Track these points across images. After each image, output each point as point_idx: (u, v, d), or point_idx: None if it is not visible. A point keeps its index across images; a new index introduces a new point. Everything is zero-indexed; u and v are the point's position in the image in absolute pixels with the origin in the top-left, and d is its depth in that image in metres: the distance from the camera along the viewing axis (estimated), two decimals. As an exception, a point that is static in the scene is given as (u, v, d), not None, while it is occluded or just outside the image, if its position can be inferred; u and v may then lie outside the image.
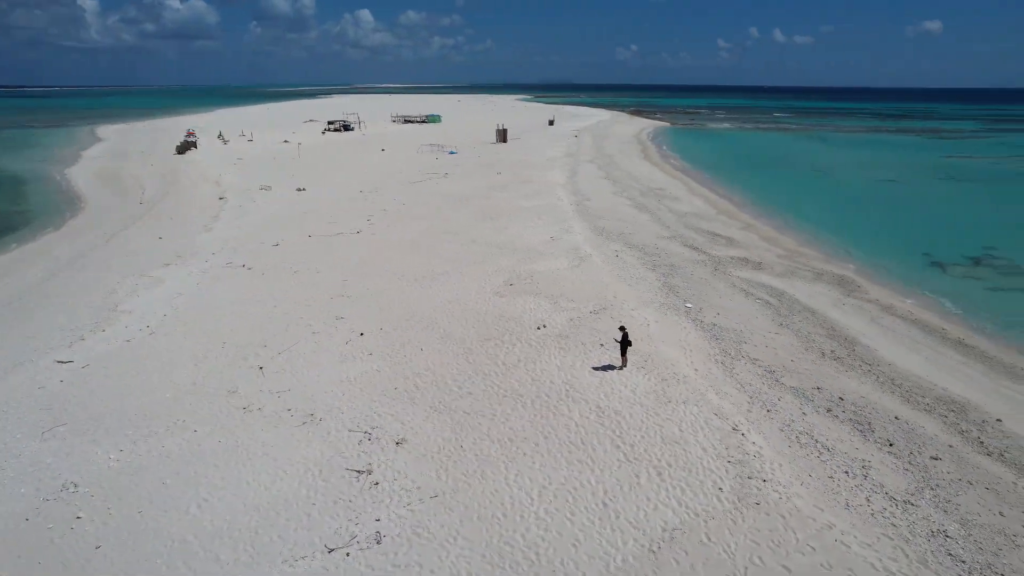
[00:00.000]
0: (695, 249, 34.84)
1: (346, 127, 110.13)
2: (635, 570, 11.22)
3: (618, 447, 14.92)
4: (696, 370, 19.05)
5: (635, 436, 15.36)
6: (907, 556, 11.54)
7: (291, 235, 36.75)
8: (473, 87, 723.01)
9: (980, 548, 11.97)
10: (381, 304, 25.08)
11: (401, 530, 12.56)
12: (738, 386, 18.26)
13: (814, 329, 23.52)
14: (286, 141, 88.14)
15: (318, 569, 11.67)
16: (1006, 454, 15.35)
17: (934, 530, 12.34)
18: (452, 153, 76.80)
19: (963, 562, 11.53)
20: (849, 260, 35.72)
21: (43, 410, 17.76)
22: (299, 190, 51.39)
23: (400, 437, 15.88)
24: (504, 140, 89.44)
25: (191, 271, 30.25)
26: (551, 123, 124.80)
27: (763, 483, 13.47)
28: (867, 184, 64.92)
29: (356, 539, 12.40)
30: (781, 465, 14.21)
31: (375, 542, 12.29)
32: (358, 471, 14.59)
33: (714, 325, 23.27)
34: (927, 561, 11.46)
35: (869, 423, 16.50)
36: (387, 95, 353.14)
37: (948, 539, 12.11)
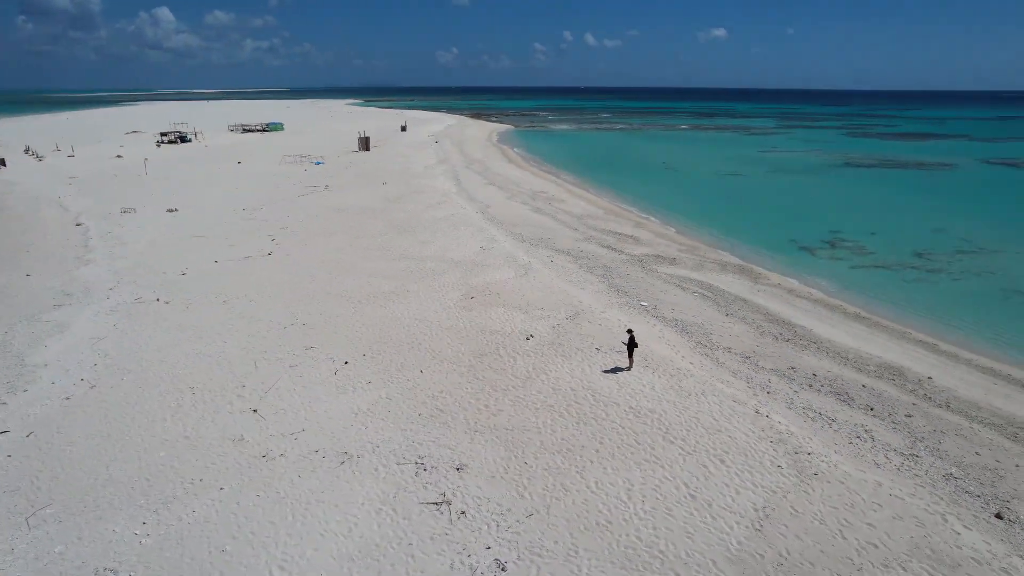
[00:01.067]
0: (612, 249, 37.19)
1: (182, 138, 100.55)
2: (753, 548, 12.42)
3: (671, 442, 16.09)
4: (691, 363, 20.83)
5: (680, 430, 16.64)
6: (942, 499, 13.99)
7: (193, 262, 33.43)
8: (293, 91, 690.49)
9: (981, 483, 14.81)
10: (345, 329, 24.01)
11: (519, 554, 12.62)
12: (731, 374, 20.31)
13: (754, 316, 26.55)
14: (119, 156, 78.56)
15: (460, 607, 11.43)
16: (951, 404, 18.86)
17: (945, 475, 15.03)
18: (319, 163, 73.60)
19: (978, 496, 14.23)
20: (735, 250, 40.20)
21: (6, 493, 14.98)
22: (171, 211, 46.49)
23: (458, 463, 15.69)
24: (367, 148, 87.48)
25: (97, 311, 26.55)
26: (403, 129, 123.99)
27: (808, 456, 15.41)
28: (715, 178, 72.77)
29: (479, 571, 12.26)
30: (810, 438, 16.28)
31: (500, 569, 12.24)
32: (435, 503, 14.26)
33: (676, 320, 25.38)
34: (957, 500, 13.99)
35: (847, 393, 19.31)
36: (202, 101, 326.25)
37: (957, 480, 14.83)
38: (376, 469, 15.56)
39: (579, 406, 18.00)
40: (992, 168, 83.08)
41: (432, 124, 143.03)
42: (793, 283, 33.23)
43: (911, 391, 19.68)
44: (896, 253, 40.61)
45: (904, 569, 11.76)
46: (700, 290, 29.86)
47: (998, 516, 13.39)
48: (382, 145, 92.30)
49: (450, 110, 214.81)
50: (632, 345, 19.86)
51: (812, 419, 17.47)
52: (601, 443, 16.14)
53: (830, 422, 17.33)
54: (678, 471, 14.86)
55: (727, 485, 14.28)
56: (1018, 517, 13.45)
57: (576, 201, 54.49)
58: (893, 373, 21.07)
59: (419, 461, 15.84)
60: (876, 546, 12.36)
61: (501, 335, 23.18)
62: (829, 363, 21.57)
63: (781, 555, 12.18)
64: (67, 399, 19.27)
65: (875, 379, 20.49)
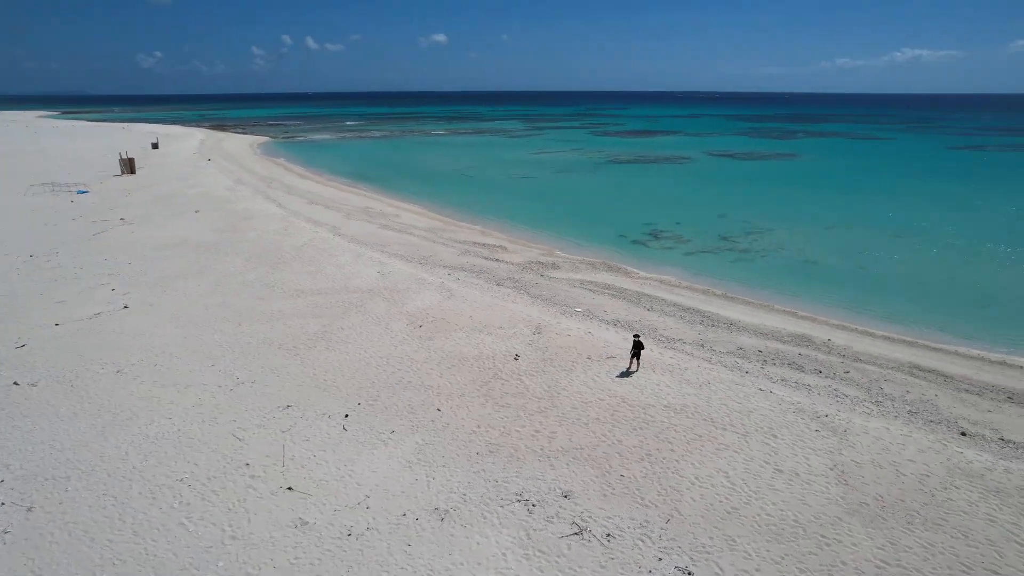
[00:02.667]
0: (496, 261, 38.43)
1: None
2: (856, 499, 15.04)
3: (724, 429, 18.21)
4: (672, 358, 23.24)
5: (722, 418, 18.84)
6: (927, 430, 18.27)
7: (23, 330, 26.55)
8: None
9: (931, 413, 19.57)
10: (307, 382, 21.73)
11: (691, 556, 13.54)
12: (708, 362, 23.20)
13: (668, 308, 30.10)
14: None
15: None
16: (860, 358, 24.10)
17: (909, 411, 19.51)
18: (83, 192, 61.73)
19: (940, 423, 18.82)
20: (587, 251, 44.12)
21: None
22: (-79, 267, 35.56)
23: (562, 491, 15.85)
24: (132, 171, 75.51)
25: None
26: (155, 146, 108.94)
27: (827, 418, 18.74)
28: (513, 181, 77.76)
29: (671, 581, 12.93)
30: (813, 404, 19.73)
31: (688, 574, 13.07)
32: (575, 533, 14.40)
33: (617, 320, 27.73)
34: (933, 429, 18.39)
35: (794, 362, 23.47)
36: None
37: (918, 414, 19.39)
38: (484, 516, 14.97)
39: (621, 414, 19.14)
40: (720, 159, 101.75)
41: (182, 139, 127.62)
42: (666, 276, 37.96)
43: (828, 352, 24.60)
44: (707, 239, 48.32)
45: (957, 488, 15.38)
46: (604, 291, 32.66)
47: (963, 434, 18.00)
48: (145, 167, 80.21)
49: (183, 123, 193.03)
50: (639, 348, 21.54)
51: (796, 388, 21.04)
52: (670, 442, 17.57)
53: (808, 388, 21.06)
54: (750, 452, 16.99)
55: (794, 455, 16.82)
56: (975, 432, 18.23)
57: (410, 215, 54.35)
58: (803, 340, 25.98)
59: (521, 498, 15.60)
60: (927, 476, 15.88)
61: (485, 359, 23.10)
62: (759, 340, 25.76)
63: (877, 499, 15.00)
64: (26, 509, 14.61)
65: (797, 346, 25.11)
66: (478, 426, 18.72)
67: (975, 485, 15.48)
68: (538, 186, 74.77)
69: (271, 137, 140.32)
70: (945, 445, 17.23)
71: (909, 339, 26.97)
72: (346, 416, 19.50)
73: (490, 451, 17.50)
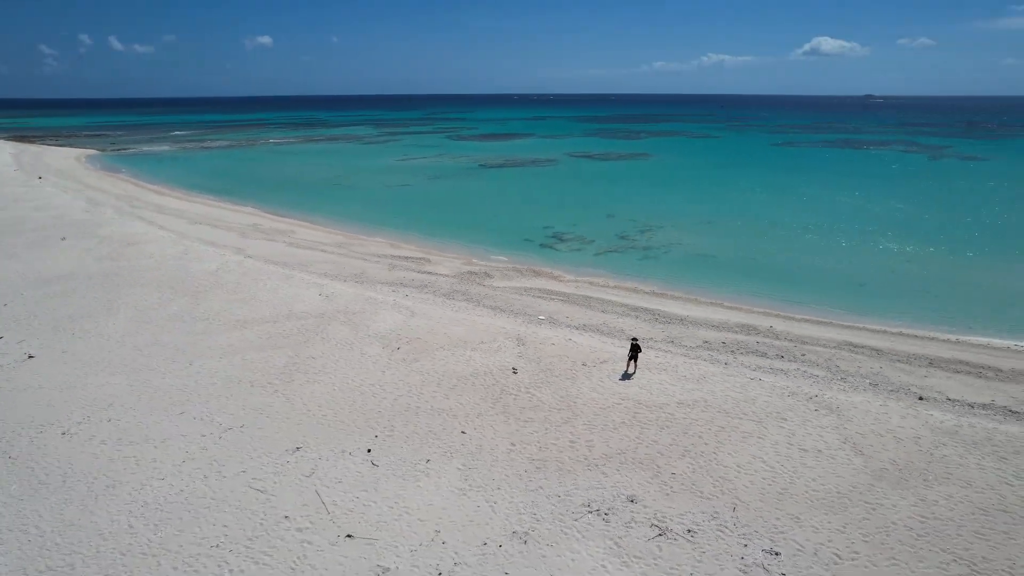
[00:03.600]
0: (426, 273, 37.90)
1: None
2: (876, 467, 17.17)
3: (740, 419, 19.76)
4: (658, 357, 24.65)
5: (733, 408, 20.41)
6: (895, 399, 21.19)
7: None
8: None
9: (885, 382, 22.67)
10: (305, 419, 20.33)
11: (771, 537, 14.77)
12: (687, 357, 24.89)
13: (617, 309, 31.68)
14: None
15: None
16: (806, 340, 27.17)
17: (871, 383, 22.45)
18: None
19: (898, 391, 21.92)
20: (501, 257, 45.03)
21: None
22: None
23: (625, 496, 16.44)
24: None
25: None
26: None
27: (817, 398, 21.01)
28: (394, 189, 77.07)
29: (759, 563, 14.03)
30: (800, 386, 21.99)
31: (775, 555, 14.25)
32: (660, 535, 15.07)
33: (583, 325, 28.73)
34: (899, 398, 21.36)
35: (756, 350, 25.92)
36: None
37: (878, 385, 22.39)
38: (564, 532, 15.16)
39: (643, 415, 20.08)
40: (582, 161, 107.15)
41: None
42: (593, 278, 39.73)
43: (777, 338, 27.45)
44: (607, 239, 51.08)
45: (945, 445, 18.11)
46: (550, 296, 33.61)
47: (920, 399, 21.15)
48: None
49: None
50: (637, 351, 22.61)
51: (775, 373, 23.30)
52: (700, 437, 18.80)
53: (783, 372, 23.43)
54: (772, 437, 18.69)
55: (808, 434, 18.77)
56: (928, 396, 21.47)
57: (305, 231, 51.93)
58: (751, 330, 28.72)
59: (591, 509, 15.96)
60: (919, 438, 18.51)
61: (483, 376, 22.98)
62: (716, 333, 28.06)
63: (893, 464, 17.26)
64: None
65: (749, 335, 27.72)
66: (512, 444, 18.68)
67: (956, 441, 18.34)
68: (419, 194, 74.43)
69: (98, 150, 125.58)
70: (916, 410, 20.14)
71: (827, 320, 30.80)
72: (369, 451, 18.50)
73: (536, 467, 17.57)
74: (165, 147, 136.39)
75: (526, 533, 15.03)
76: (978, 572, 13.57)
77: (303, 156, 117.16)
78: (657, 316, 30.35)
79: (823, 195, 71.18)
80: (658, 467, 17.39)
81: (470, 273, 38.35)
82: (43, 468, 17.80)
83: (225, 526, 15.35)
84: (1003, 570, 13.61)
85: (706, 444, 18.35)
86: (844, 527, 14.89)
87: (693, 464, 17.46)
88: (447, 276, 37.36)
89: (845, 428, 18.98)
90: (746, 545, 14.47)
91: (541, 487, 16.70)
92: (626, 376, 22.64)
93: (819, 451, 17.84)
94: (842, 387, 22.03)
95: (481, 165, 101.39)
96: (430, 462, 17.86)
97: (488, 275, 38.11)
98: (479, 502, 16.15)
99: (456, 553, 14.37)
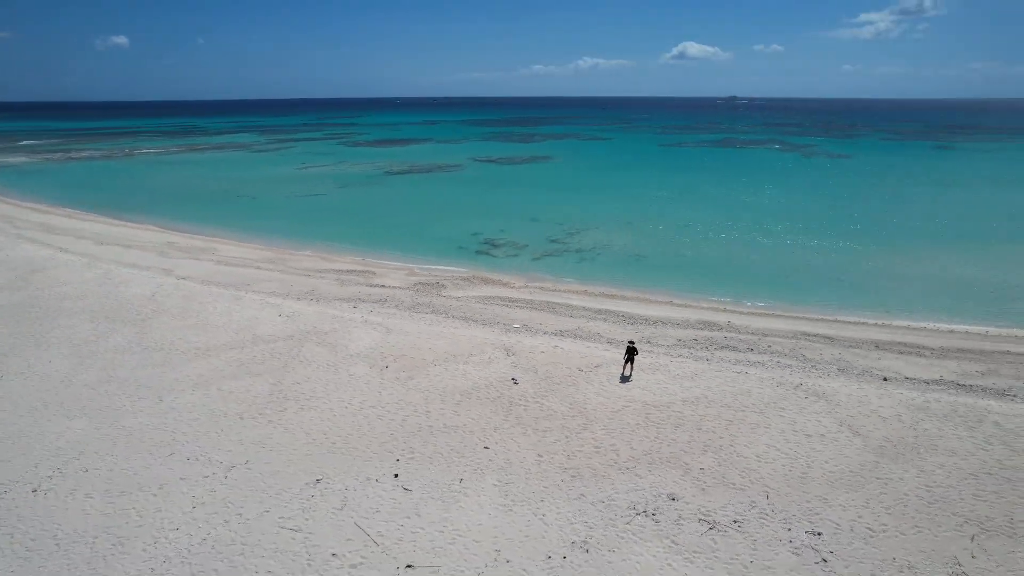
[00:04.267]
0: (378, 287, 37.00)
1: None
2: (876, 444, 18.90)
3: (743, 411, 20.98)
4: (645, 358, 25.59)
5: (734, 402, 21.62)
6: (863, 382, 23.36)
7: None
8: None
9: (850, 368, 24.95)
10: (314, 449, 19.38)
11: (809, 519, 15.93)
12: (669, 356, 26.06)
13: (583, 313, 32.52)
14: None
15: None
16: (767, 333, 29.23)
17: (839, 369, 24.60)
18: None
19: (863, 374, 24.19)
20: (437, 264, 44.91)
21: None
22: None
23: (667, 495, 17.09)
24: None
25: None
26: None
27: (802, 386, 22.72)
28: (304, 199, 74.63)
29: (804, 543, 15.15)
30: (782, 376, 23.68)
31: (817, 535, 15.44)
32: (709, 528, 15.84)
33: (560, 331, 29.26)
34: (868, 380, 23.58)
35: (728, 345, 27.56)
36: None
37: (846, 370, 24.57)
38: (621, 536, 15.57)
39: (654, 416, 20.85)
40: (488, 165, 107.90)
41: None
42: (543, 283, 40.43)
43: (739, 332, 29.34)
44: (539, 242, 52.12)
45: (923, 420, 20.24)
46: (511, 304, 33.90)
47: (885, 379, 23.49)
48: None
49: None
50: (633, 354, 23.39)
51: (755, 365, 24.92)
52: (714, 431, 19.83)
53: (761, 364, 25.13)
54: (778, 426, 20.06)
55: (807, 421, 20.32)
56: (890, 376, 23.86)
57: (227, 247, 49.18)
58: (713, 326, 30.49)
59: (638, 511, 16.46)
60: (900, 416, 20.56)
61: (485, 389, 22.90)
62: (683, 331, 29.54)
63: (888, 441, 19.08)
64: None
65: (714, 331, 29.44)
66: (539, 455, 18.81)
67: (929, 416, 20.56)
68: (333, 204, 72.46)
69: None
70: (887, 390, 22.35)
71: (773, 312, 33.29)
72: (396, 476, 17.96)
73: (571, 476, 17.83)
74: (21, 158, 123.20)
75: (584, 542, 15.25)
76: (986, 530, 15.38)
77: (191, 167, 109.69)
78: (623, 318, 31.43)
79: (723, 193, 76.36)
80: (686, 464, 18.16)
81: (421, 284, 37.83)
82: (25, 533, 15.81)
83: (270, 572, 14.38)
84: (1005, 525, 15.51)
85: (721, 438, 19.38)
86: (867, 503, 16.33)
87: (717, 458, 18.39)
88: (400, 288, 36.64)
89: (837, 412, 20.71)
90: (790, 529, 15.50)
91: (583, 495, 16.96)
92: (624, 379, 23.35)
93: (822, 435, 19.37)
94: (817, 374, 23.97)
95: (386, 172, 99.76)
96: (463, 481, 17.61)
97: (440, 285, 37.77)
98: (527, 516, 16.16)
99: (524, 570, 14.34)
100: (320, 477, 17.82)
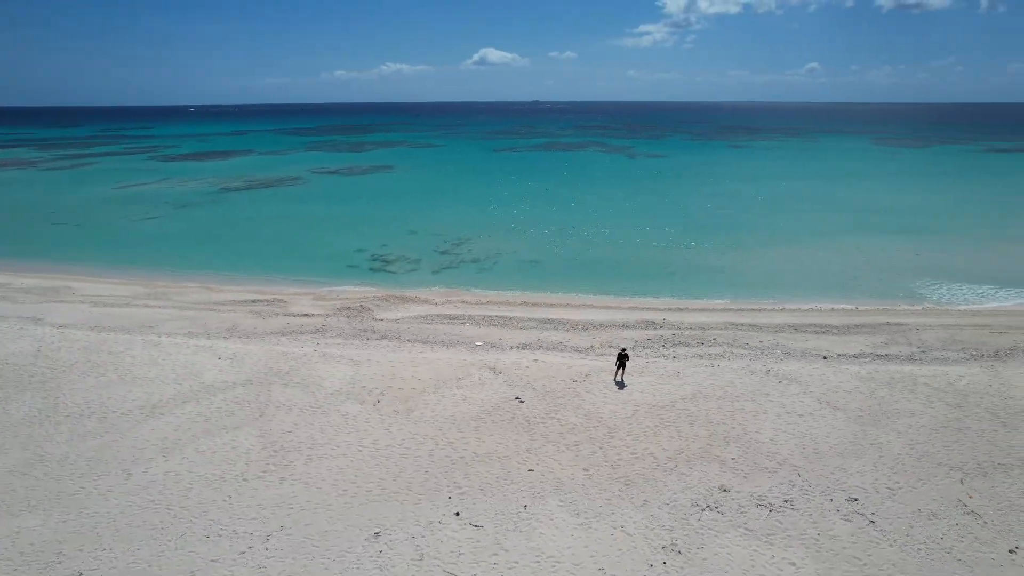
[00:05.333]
0: (305, 316, 34.74)
1: None
2: (855, 414, 21.97)
3: (737, 400, 23.03)
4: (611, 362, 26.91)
5: (725, 394, 23.62)
6: (822, 361, 26.77)
7: None
8: None
9: (796, 346, 28.44)
10: (351, 501, 18.05)
11: (845, 486, 18.24)
12: (646, 356, 27.69)
13: (532, 324, 33.29)
14: None
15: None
16: (702, 327, 32.15)
17: (801, 356, 27.93)
18: None
19: (819, 358, 27.73)
20: (338, 285, 43.18)
21: None
22: None
23: (718, 486, 18.47)
24: None
25: None
26: None
27: (772, 373, 25.50)
28: (144, 223, 66.95)
29: (846, 507, 17.41)
30: (750, 368, 26.31)
31: (854, 500, 17.76)
32: (770, 511, 17.51)
33: (524, 344, 29.72)
34: (833, 365, 27.06)
35: (680, 341, 29.85)
36: None
37: (805, 352, 27.96)
38: (700, 533, 16.62)
39: (665, 416, 22.18)
40: (331, 177, 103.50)
41: None
42: (463, 297, 40.47)
43: (680, 328, 31.95)
44: (430, 255, 51.92)
45: (877, 389, 23.81)
46: (456, 321, 33.71)
47: (824, 358, 27.15)
48: None
49: None
50: (624, 360, 24.55)
51: (720, 358, 27.34)
52: (724, 423, 21.62)
53: (723, 356, 27.67)
54: (772, 411, 22.39)
55: (793, 403, 22.88)
56: (828, 355, 27.59)
57: (87, 285, 43.02)
58: (652, 324, 32.86)
59: (701, 507, 17.64)
60: (858, 387, 23.96)
61: (495, 412, 22.71)
62: (630, 332, 31.44)
63: (861, 411, 22.20)
64: None
65: (658, 329, 31.76)
66: (584, 469, 19.25)
67: (878, 385, 24.25)
68: (180, 226, 65.83)
69: None
70: (834, 368, 25.90)
71: (694, 307, 36.62)
72: (458, 514, 17.37)
73: (625, 484, 18.54)
74: None
75: (673, 544, 16.05)
76: (966, 473, 18.74)
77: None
78: (570, 325, 32.66)
79: (578, 195, 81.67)
80: (718, 457, 19.70)
81: (344, 309, 36.08)
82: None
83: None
84: (976, 465, 19.00)
85: (733, 428, 21.25)
86: (875, 467, 19.03)
87: (740, 447, 20.17)
88: (327, 315, 34.62)
89: (811, 391, 23.64)
90: (831, 499, 17.61)
91: (647, 500, 17.73)
92: (620, 385, 24.45)
93: (811, 414, 22.04)
94: (771, 360, 27.02)
95: (223, 188, 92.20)
96: (528, 507, 17.52)
97: (365, 308, 36.32)
98: (608, 530, 16.57)
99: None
100: (377, 530, 16.65)
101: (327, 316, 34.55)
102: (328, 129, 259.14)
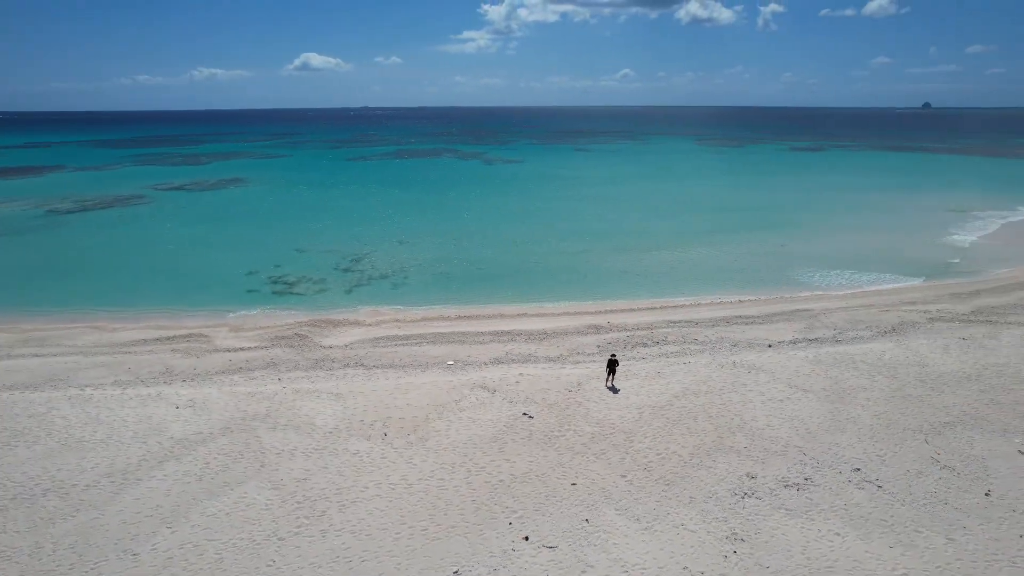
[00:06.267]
0: (240, 351, 32.00)
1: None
2: (822, 394, 24.90)
3: (723, 393, 25.05)
4: (602, 368, 28.02)
5: (709, 388, 25.53)
6: (767, 349, 29.76)
7: None
8: None
9: (738, 337, 31.35)
10: (410, 543, 17.30)
11: (847, 459, 20.75)
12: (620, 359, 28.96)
13: (488, 338, 33.47)
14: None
15: None
16: (650, 327, 34.32)
17: (746, 346, 30.75)
18: None
19: (780, 342, 30.75)
20: (246, 312, 40.43)
21: None
22: None
23: (746, 474, 20.15)
24: None
25: None
26: None
27: (735, 360, 27.96)
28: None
29: (851, 477, 19.93)
30: (713, 358, 28.63)
31: (864, 476, 20.33)
32: (798, 488, 19.51)
33: (499, 359, 29.86)
34: (772, 345, 30.08)
35: (637, 342, 31.69)
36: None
37: (749, 343, 30.84)
38: (750, 519, 18.12)
39: (669, 415, 23.57)
40: (180, 193, 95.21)
41: None
42: (396, 314, 39.47)
43: (623, 330, 33.83)
44: (331, 274, 49.86)
45: (830, 369, 27.10)
46: (412, 342, 32.94)
47: (770, 346, 30.32)
48: None
49: None
50: (614, 366, 25.62)
51: (680, 355, 29.46)
52: (722, 416, 23.46)
53: (684, 352, 29.79)
54: (755, 399, 24.65)
55: (768, 389, 25.38)
56: (773, 343, 30.79)
57: None
58: (600, 328, 34.45)
59: (739, 494, 19.19)
60: (815, 369, 27.08)
61: (511, 431, 22.67)
62: (585, 337, 32.73)
63: (825, 389, 25.21)
64: None
65: (609, 333, 33.39)
66: (622, 475, 20.03)
67: (828, 366, 27.60)
68: (22, 257, 56.87)
69: None
70: (784, 354, 29.03)
71: (630, 308, 38.92)
72: (526, 538, 17.36)
73: (665, 484, 19.60)
74: None
75: (734, 534, 17.34)
76: (926, 433, 22.15)
77: None
78: (525, 336, 33.36)
79: (454, 203, 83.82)
80: (731, 447, 21.43)
81: (279, 339, 33.88)
82: None
83: None
84: (930, 427, 22.52)
85: (732, 419, 23.18)
86: (859, 439, 21.85)
87: (746, 435, 22.09)
88: (264, 348, 32.26)
89: (779, 377, 26.37)
90: (840, 472, 19.99)
91: (692, 497, 18.90)
92: (614, 390, 25.51)
93: (788, 398, 24.65)
94: (728, 352, 29.65)
95: (50, 211, 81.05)
96: (590, 521, 17.92)
97: (301, 336, 34.37)
98: (671, 530, 17.50)
99: (721, 574, 15.83)
100: (456, 568, 16.15)
101: (265, 348, 32.03)
102: (151, 140, 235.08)
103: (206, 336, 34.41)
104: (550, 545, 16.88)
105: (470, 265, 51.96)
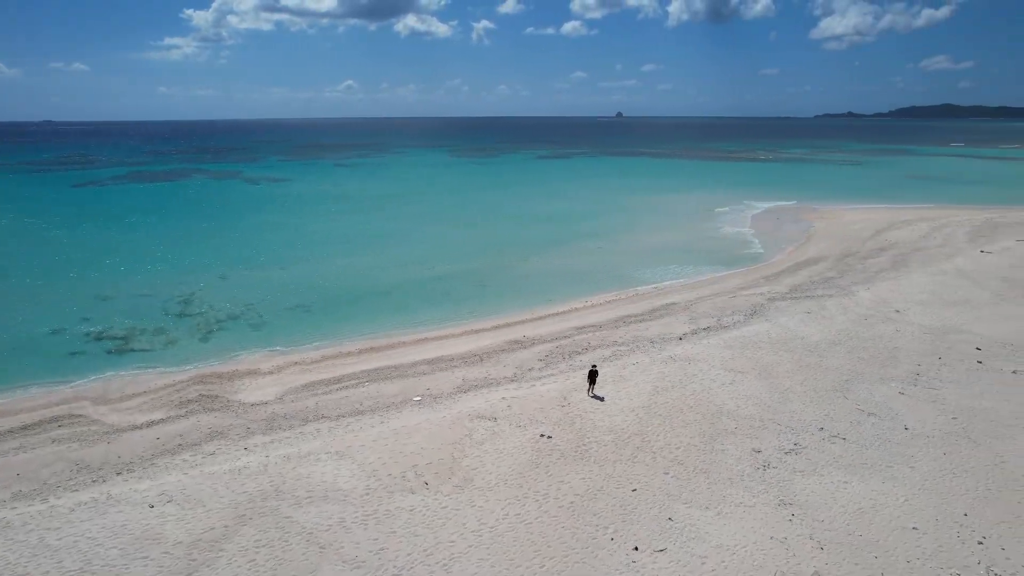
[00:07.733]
0: (160, 424, 27.28)
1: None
2: (778, 370, 29.83)
3: (692, 384, 28.65)
4: (568, 381, 29.65)
5: (679, 383, 28.83)
6: (733, 337, 34.21)
7: None
8: None
9: (671, 330, 35.49)
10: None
11: (828, 428, 25.54)
12: (565, 374, 30.87)
13: (415, 369, 33.04)
14: None
15: None
16: (565, 336, 36.91)
17: (701, 334, 34.83)
18: None
19: (710, 328, 35.11)
20: (81, 381, 34.81)
21: None
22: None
23: (752, 449, 23.72)
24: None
25: None
26: None
27: (677, 355, 31.75)
28: None
29: (834, 425, 24.85)
30: (659, 355, 32.09)
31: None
32: (797, 452, 23.63)
33: (464, 388, 29.73)
34: (730, 333, 34.52)
35: (577, 351, 34.04)
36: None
37: (658, 339, 34.95)
38: (783, 485, 21.69)
39: (660, 413, 26.17)
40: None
41: None
42: (294, 357, 36.21)
43: (543, 342, 36.01)
44: (166, 321, 42.32)
45: (764, 350, 32.33)
46: (353, 383, 30.90)
47: (680, 339, 34.98)
48: None
49: None
50: (595, 376, 27.47)
51: (620, 357, 32.45)
52: (701, 405, 26.80)
53: (623, 355, 32.77)
54: (715, 387, 28.46)
55: (724, 375, 29.47)
56: (685, 335, 35.44)
57: None
58: (519, 343, 35.98)
59: (757, 467, 22.70)
60: (754, 353, 32.08)
61: (540, 454, 23.10)
62: (518, 355, 34.08)
63: (788, 371, 30.20)
64: None
65: (535, 347, 35.24)
66: (664, 473, 22.13)
67: (739, 348, 32.77)
68: None
69: None
70: (699, 344, 33.70)
71: (515, 321, 41.04)
72: (636, 548, 18.56)
73: (703, 472, 22.13)
74: None
75: (782, 502, 20.59)
76: (841, 391, 28.14)
77: None
78: (461, 359, 33.63)
79: (249, 225, 78.72)
80: (724, 429, 24.89)
81: (185, 402, 29.50)
82: None
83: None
84: (839, 386, 28.61)
85: (709, 406, 26.72)
86: (804, 405, 26.92)
87: (728, 417, 25.75)
88: (180, 416, 27.79)
89: (714, 365, 30.74)
90: (812, 434, 24.62)
91: (729, 479, 21.79)
92: (598, 398, 27.39)
93: (732, 382, 28.99)
94: (652, 349, 33.44)
95: None
96: (672, 519, 19.73)
97: (210, 397, 30.27)
98: (736, 510, 20.09)
99: (795, 537, 18.94)
100: (595, 592, 16.71)
101: (181, 417, 27.54)
102: None
103: (80, 416, 28.09)
104: (659, 549, 18.22)
105: (318, 295, 48.87)
